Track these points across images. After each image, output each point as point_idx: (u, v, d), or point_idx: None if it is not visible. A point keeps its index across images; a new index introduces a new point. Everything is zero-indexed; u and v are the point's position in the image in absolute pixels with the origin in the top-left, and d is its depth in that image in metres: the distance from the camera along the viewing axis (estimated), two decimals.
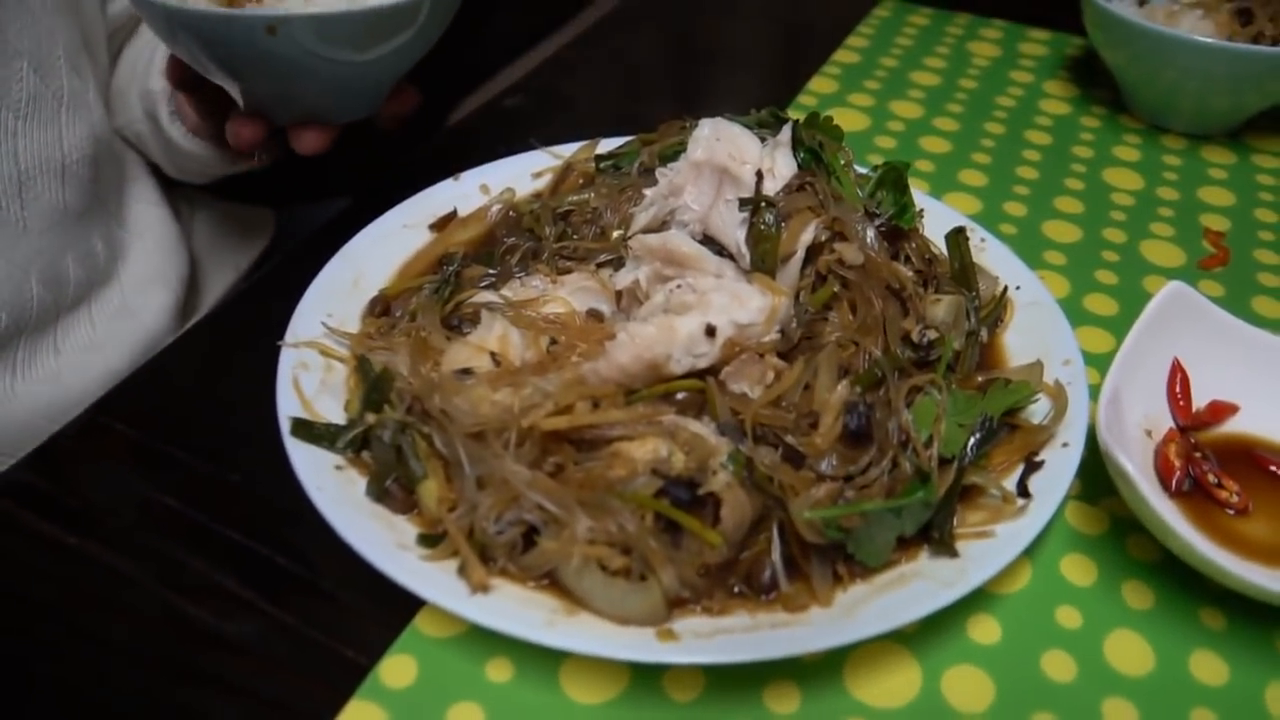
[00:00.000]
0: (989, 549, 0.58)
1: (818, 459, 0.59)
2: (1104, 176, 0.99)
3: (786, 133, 0.71)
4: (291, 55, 0.70)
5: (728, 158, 0.68)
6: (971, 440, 0.61)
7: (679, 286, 0.64)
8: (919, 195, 0.83)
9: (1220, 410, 0.70)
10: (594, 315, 0.67)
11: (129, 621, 0.59)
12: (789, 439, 0.60)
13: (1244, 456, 0.68)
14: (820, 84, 1.10)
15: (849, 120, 1.04)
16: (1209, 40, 0.97)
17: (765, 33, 1.21)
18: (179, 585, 0.60)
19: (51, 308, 0.86)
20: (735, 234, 0.66)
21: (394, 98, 0.80)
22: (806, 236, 0.66)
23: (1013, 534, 0.59)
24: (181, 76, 0.80)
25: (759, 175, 0.67)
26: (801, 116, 0.75)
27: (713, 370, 0.62)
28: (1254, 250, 0.90)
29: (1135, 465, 0.64)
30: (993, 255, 0.79)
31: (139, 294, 0.92)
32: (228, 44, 0.69)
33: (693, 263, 0.66)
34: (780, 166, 0.68)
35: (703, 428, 0.59)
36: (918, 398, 0.63)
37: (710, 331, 0.61)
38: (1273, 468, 0.67)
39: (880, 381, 0.62)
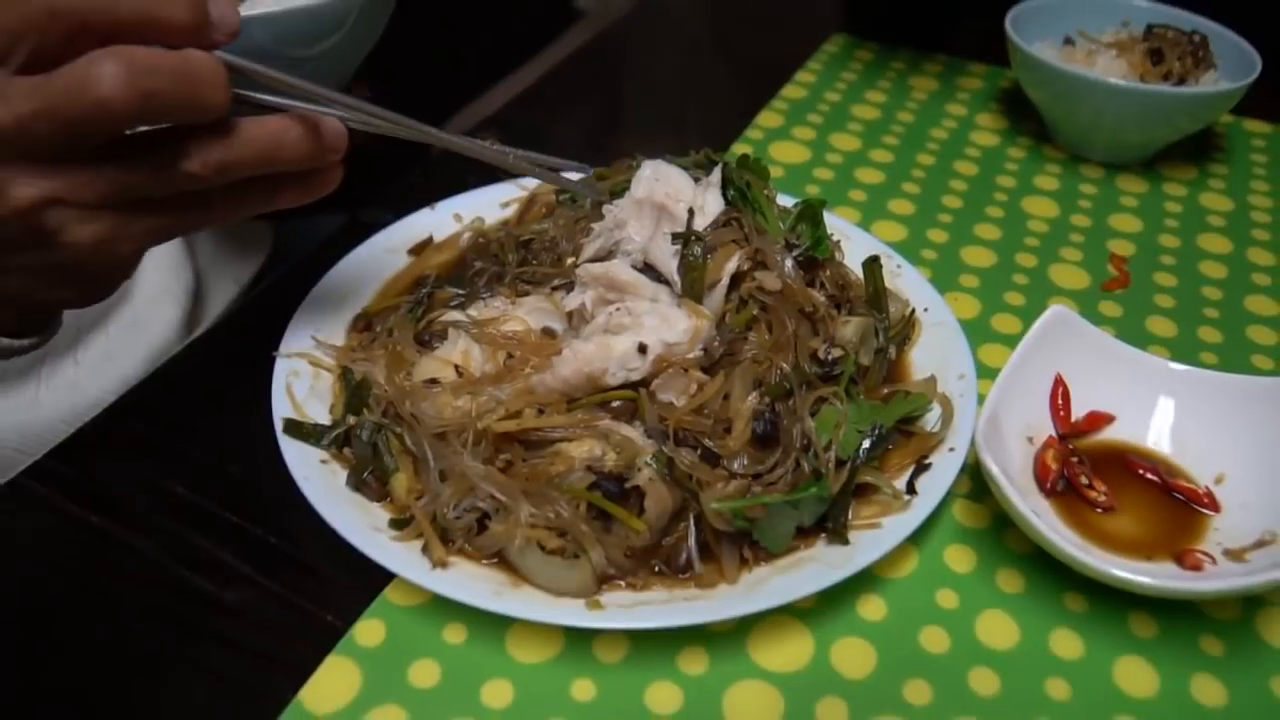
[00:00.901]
0: (876, 538, 0.68)
1: (731, 459, 0.68)
2: (1023, 205, 1.08)
3: (717, 174, 0.81)
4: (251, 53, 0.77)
5: (665, 195, 0.78)
6: (864, 444, 0.71)
7: (617, 310, 0.74)
8: (847, 225, 0.93)
9: (1097, 420, 0.79)
10: (548, 333, 0.76)
11: (142, 587, 0.68)
12: (706, 442, 0.69)
13: (1117, 461, 0.77)
14: (767, 118, 1.18)
15: (791, 153, 1.12)
16: (1120, 81, 1.06)
17: (723, 68, 1.30)
18: (185, 559, 0.69)
19: (74, 325, 0.95)
20: (670, 263, 0.76)
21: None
22: (730, 266, 0.75)
23: (897, 525, 0.68)
24: None
25: (690, 212, 0.77)
26: (735, 158, 0.85)
27: (644, 382, 0.71)
28: (1154, 273, 0.99)
29: (1015, 468, 0.75)
30: (907, 280, 0.88)
31: (149, 307, 1.02)
32: None
33: (631, 289, 0.76)
34: (709, 204, 0.78)
35: (633, 431, 0.69)
36: (822, 407, 0.73)
37: (642, 349, 0.71)
38: (1141, 471, 0.76)
39: (789, 393, 0.72)
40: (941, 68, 1.33)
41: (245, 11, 0.76)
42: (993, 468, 0.68)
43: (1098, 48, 1.14)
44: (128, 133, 0.59)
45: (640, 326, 0.72)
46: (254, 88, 0.62)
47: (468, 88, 1.48)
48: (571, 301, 0.78)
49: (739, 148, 1.11)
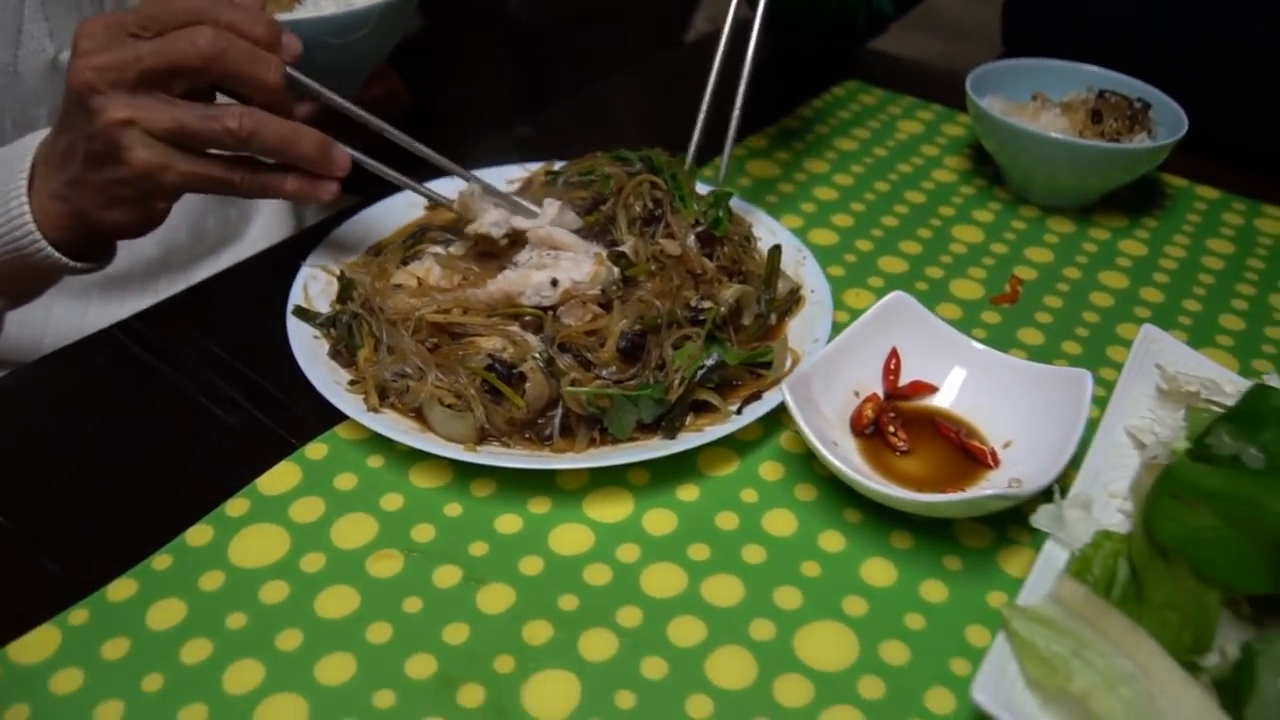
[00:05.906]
0: (697, 437, 0.89)
1: (602, 367, 0.92)
2: (953, 231, 1.23)
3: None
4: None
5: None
6: (701, 368, 0.93)
7: (544, 253, 0.98)
8: (778, 225, 1.14)
9: (920, 387, 0.97)
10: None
11: (180, 411, 0.95)
12: (586, 354, 0.93)
13: (929, 421, 0.96)
14: (755, 140, 1.37)
15: (764, 168, 1.31)
16: (1054, 134, 1.23)
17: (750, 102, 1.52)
18: (209, 395, 0.96)
19: (190, 252, 1.26)
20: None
21: (373, 82, 1.19)
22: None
23: (715, 430, 0.90)
24: None
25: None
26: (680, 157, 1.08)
27: (554, 308, 0.95)
28: (1045, 296, 1.14)
29: (836, 412, 0.95)
30: (809, 269, 1.09)
31: (256, 246, 1.32)
32: None
33: (566, 246, 1.00)
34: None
35: (531, 338, 0.93)
36: (685, 342, 0.95)
37: (554, 283, 0.95)
38: (943, 430, 0.94)
39: (658, 327, 0.94)
40: (933, 115, 1.49)
41: (293, 15, 1.05)
42: (789, 399, 0.88)
43: (1047, 105, 1.32)
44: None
45: (557, 266, 0.96)
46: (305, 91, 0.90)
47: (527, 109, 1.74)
48: (523, 256, 1.01)
49: (719, 160, 1.33)
